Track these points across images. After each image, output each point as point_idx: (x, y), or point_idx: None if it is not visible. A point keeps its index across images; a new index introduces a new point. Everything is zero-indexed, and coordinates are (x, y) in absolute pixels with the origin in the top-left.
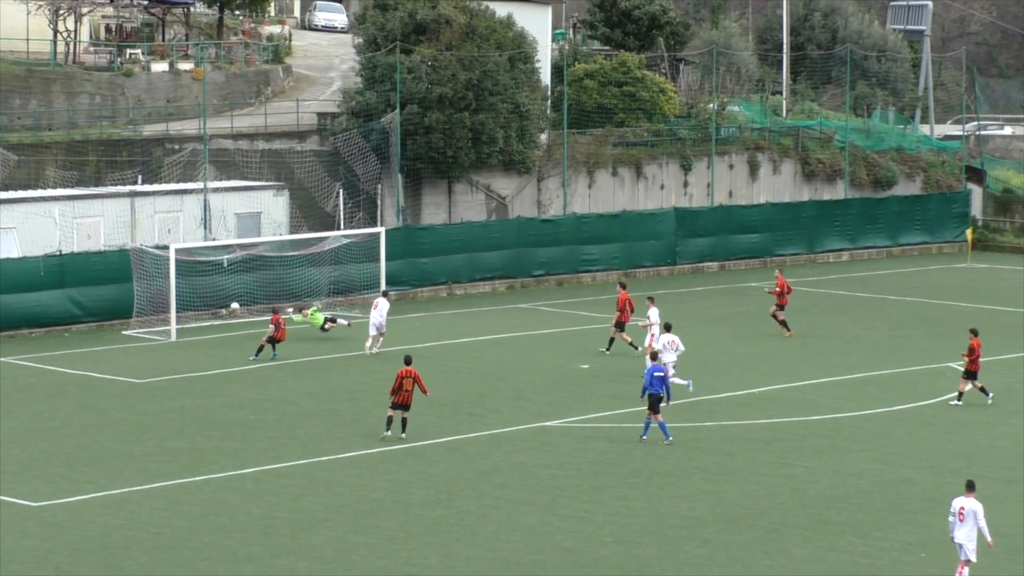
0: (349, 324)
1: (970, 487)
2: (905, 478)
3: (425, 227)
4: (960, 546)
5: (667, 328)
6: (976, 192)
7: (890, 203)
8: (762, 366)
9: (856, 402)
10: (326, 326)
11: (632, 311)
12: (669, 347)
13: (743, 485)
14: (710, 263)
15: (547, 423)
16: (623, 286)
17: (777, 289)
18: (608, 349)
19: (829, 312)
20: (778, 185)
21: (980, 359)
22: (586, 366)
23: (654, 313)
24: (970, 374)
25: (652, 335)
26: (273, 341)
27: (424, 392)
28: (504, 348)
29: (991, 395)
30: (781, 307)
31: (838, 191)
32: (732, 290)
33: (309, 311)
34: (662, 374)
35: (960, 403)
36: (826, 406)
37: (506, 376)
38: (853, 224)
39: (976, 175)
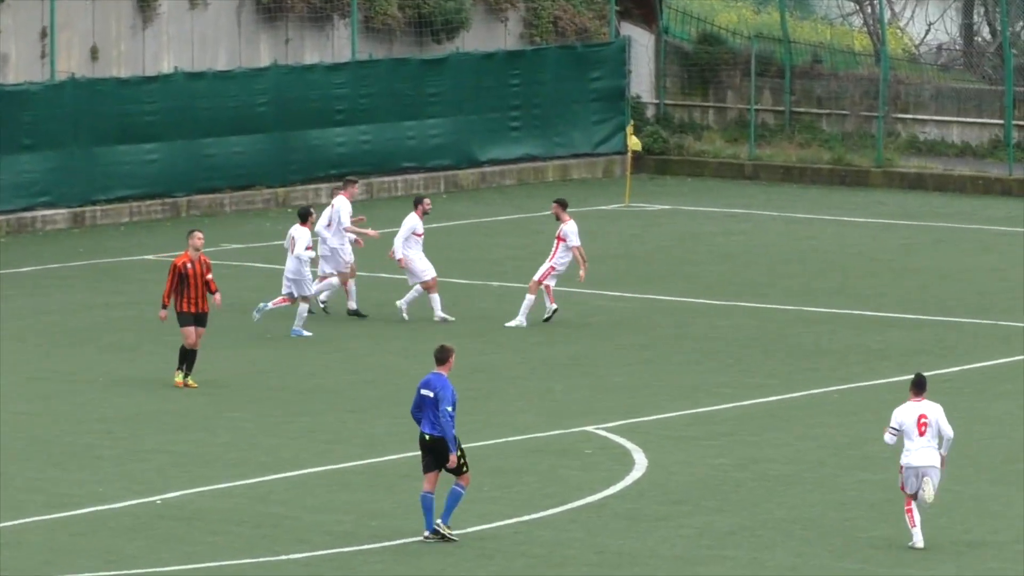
0: None
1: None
2: None
3: None
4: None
5: (303, 217)
6: (640, 42)
7: (450, 69)
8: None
9: None
10: None
11: None
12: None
13: None
14: None
15: None
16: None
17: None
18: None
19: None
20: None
21: None
22: None
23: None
24: None
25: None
26: None
27: None
28: None
29: None
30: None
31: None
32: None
33: None
34: (432, 392)
35: None
36: None
37: None
38: (363, 115)
39: (642, 7)
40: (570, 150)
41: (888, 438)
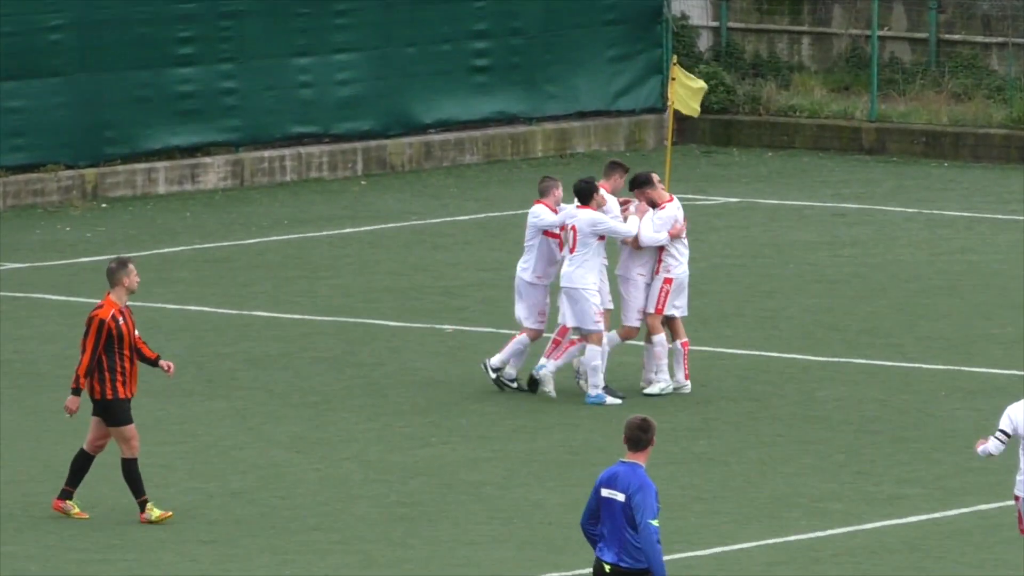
0: None
1: None
2: None
3: None
4: None
5: (585, 194)
6: None
7: None
8: None
9: None
10: None
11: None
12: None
13: None
14: None
15: None
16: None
17: None
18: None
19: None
20: None
21: None
22: None
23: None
24: None
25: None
26: None
27: None
28: None
29: None
30: None
31: None
32: None
33: None
34: (623, 495)
35: None
36: None
37: None
38: (225, 47)
39: None
40: (572, 106)
41: (992, 445)
